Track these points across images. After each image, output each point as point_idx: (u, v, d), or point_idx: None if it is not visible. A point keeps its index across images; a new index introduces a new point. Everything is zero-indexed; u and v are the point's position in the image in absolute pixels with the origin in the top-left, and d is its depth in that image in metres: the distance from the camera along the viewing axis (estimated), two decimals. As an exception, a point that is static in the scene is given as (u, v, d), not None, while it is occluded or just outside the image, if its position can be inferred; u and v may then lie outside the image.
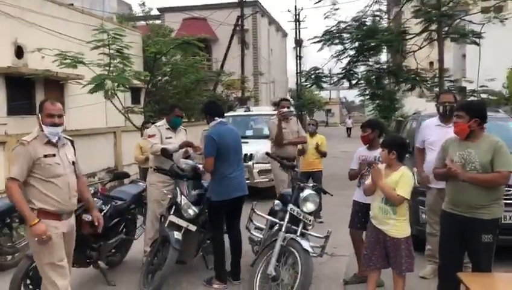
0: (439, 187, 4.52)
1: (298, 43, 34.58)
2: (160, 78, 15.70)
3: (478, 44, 12.77)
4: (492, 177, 3.55)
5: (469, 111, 3.66)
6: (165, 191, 5.07)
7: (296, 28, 35.03)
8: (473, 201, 3.60)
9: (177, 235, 4.55)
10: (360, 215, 4.62)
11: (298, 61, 34.45)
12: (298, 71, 32.84)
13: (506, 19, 12.35)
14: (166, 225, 4.67)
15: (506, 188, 4.11)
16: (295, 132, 6.74)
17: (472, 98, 12.88)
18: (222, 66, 21.23)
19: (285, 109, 6.60)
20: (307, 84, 15.23)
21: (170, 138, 5.31)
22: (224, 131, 4.78)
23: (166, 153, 5.01)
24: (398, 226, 3.87)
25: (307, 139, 7.06)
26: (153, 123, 6.35)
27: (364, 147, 4.75)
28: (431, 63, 21.62)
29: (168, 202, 4.98)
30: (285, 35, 43.98)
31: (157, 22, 28.36)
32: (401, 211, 3.88)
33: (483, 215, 3.59)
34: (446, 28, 12.41)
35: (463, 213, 3.65)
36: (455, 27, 12.64)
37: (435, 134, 4.81)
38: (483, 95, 12.03)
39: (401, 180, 3.84)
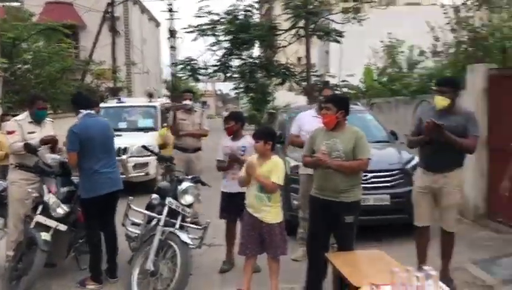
0: (310, 173, 4.87)
1: (172, 33, 34.09)
2: (20, 66, 14.32)
3: (340, 42, 13.89)
4: (356, 164, 3.93)
5: (336, 104, 4.00)
6: (29, 190, 4.64)
7: (169, 18, 34.48)
8: (337, 186, 3.95)
9: (45, 236, 4.25)
10: (229, 205, 4.85)
11: (172, 52, 34.00)
12: (173, 62, 32.40)
13: (363, 19, 13.61)
14: (32, 226, 4.33)
15: (364, 174, 4.57)
16: (197, 124, 6.79)
17: (336, 92, 13.99)
18: (91, 54, 20.03)
19: (188, 101, 6.70)
20: (183, 76, 15.13)
21: (34, 132, 4.79)
22: (90, 123, 4.53)
23: (30, 148, 4.59)
24: (273, 213, 4.08)
25: (207, 133, 7.05)
26: (14, 116, 5.76)
27: (228, 138, 4.95)
28: (299, 59, 22.93)
29: (32, 201, 4.60)
30: (158, 25, 43.02)
31: (15, 4, 25.69)
32: (276, 198, 4.10)
33: (346, 199, 3.96)
34: (312, 26, 13.28)
35: (329, 197, 3.99)
36: (320, 25, 13.57)
37: (310, 123, 5.09)
38: (345, 89, 13.13)
39: (275, 168, 4.05)
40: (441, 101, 4.25)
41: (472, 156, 6.17)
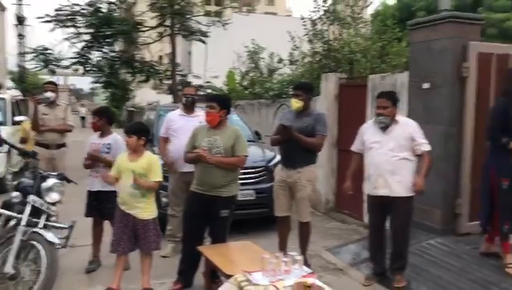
0: (184, 171, 5.01)
1: (20, 20, 30.92)
2: None
3: (205, 42, 14.17)
4: (234, 161, 4.17)
5: (220, 103, 4.20)
6: None
7: (17, 4, 31.19)
8: (215, 181, 4.13)
9: None
10: (93, 203, 4.77)
11: (20, 40, 30.82)
12: (21, 51, 29.38)
13: (227, 23, 14.10)
14: None
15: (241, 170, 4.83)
16: (60, 119, 6.28)
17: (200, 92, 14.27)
18: None
19: (49, 94, 6.14)
20: (35, 67, 13.89)
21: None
22: None
23: None
24: (147, 208, 4.09)
25: (72, 128, 6.56)
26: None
27: (96, 135, 4.82)
28: (160, 57, 22.69)
29: None
30: (3, 9, 38.67)
31: None
32: (150, 193, 4.12)
33: (223, 193, 4.17)
34: (178, 25, 13.32)
35: (207, 192, 4.15)
36: (186, 25, 13.70)
37: (178, 123, 5.31)
38: (209, 90, 13.47)
39: (152, 167, 4.08)
40: (295, 104, 4.72)
41: (324, 156, 6.91)
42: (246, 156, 4.25)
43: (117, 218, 4.15)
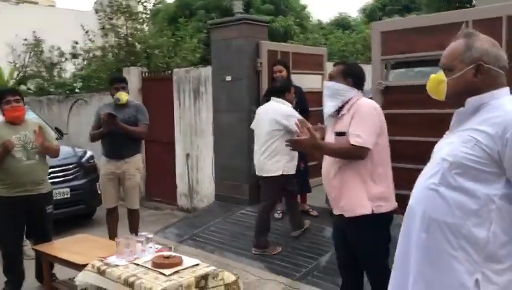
0: None
1: None
2: None
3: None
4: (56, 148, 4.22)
5: (22, 96, 4.16)
6: None
7: None
8: (37, 178, 4.07)
9: None
10: None
11: None
12: None
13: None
14: None
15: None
16: None
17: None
18: None
19: None
20: None
21: None
22: None
23: None
24: None
25: None
26: None
27: None
28: None
29: None
30: None
31: None
32: None
33: (44, 189, 4.15)
34: None
35: (29, 192, 4.03)
36: None
37: None
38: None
39: None
40: (124, 96, 4.89)
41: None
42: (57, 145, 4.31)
43: None
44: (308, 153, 2.92)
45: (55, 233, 4.44)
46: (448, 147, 1.75)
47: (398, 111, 4.70)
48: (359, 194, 2.75)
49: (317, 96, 5.35)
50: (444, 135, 1.93)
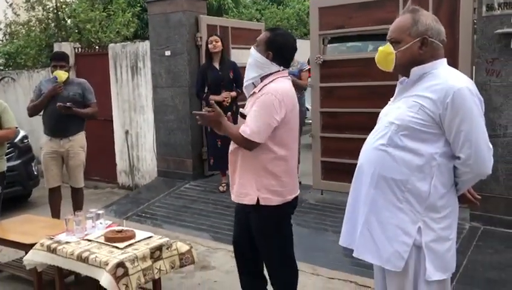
0: None
1: None
2: None
3: None
4: (4, 133, 4.05)
5: None
6: None
7: None
8: None
9: None
10: None
11: None
12: None
13: None
14: None
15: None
16: None
17: None
18: None
19: None
20: None
21: None
22: None
23: None
24: None
25: None
26: None
27: None
28: None
29: None
30: None
31: None
32: None
33: None
34: None
35: None
36: None
37: None
38: None
39: None
40: (63, 75, 4.69)
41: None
42: (16, 127, 4.13)
43: None
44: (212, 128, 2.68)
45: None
46: (396, 111, 1.96)
47: (335, 84, 4.95)
48: (247, 183, 2.61)
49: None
50: (389, 102, 2.13)
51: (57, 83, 4.69)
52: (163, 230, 4.86)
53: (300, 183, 5.59)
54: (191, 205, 5.43)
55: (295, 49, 2.71)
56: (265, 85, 2.59)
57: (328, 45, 7.16)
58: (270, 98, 2.51)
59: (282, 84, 2.60)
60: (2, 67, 9.12)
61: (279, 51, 2.61)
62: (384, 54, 2.01)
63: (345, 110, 4.88)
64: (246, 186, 2.62)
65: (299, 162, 5.26)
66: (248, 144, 2.52)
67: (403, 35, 1.95)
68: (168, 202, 5.70)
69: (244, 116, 2.62)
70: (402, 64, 1.97)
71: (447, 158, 1.90)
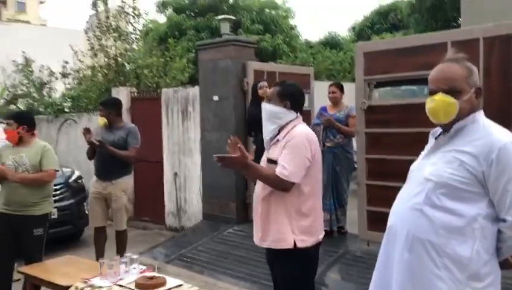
0: None
1: None
2: None
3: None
4: (40, 176, 4.13)
5: (17, 119, 4.11)
6: None
7: None
8: (24, 200, 4.05)
9: None
10: None
11: None
12: None
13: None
14: None
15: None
16: None
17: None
18: None
19: None
20: None
21: None
22: None
23: None
24: None
25: None
26: None
27: None
28: None
29: None
30: None
31: None
32: None
33: (35, 212, 4.11)
34: None
35: (16, 212, 4.04)
36: None
37: None
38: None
39: None
40: (100, 121, 4.96)
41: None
42: (57, 170, 4.28)
43: None
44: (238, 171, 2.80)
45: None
46: (432, 167, 1.79)
47: (380, 130, 4.79)
48: (282, 227, 2.62)
49: (304, 116, 5.42)
50: (420, 155, 1.98)
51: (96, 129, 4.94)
52: (201, 276, 4.80)
53: (346, 232, 5.47)
54: (233, 251, 5.35)
55: (304, 96, 2.98)
56: (289, 131, 2.71)
57: (380, 89, 7.00)
58: (301, 140, 2.65)
59: (305, 128, 2.77)
60: (67, 110, 9.72)
61: (294, 98, 2.80)
62: (445, 104, 1.80)
63: (391, 158, 4.67)
64: (283, 231, 2.63)
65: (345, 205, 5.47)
66: (286, 185, 2.59)
67: (464, 85, 1.81)
68: (211, 246, 5.65)
69: (272, 162, 2.69)
70: (462, 115, 1.81)
71: (491, 221, 1.71)
